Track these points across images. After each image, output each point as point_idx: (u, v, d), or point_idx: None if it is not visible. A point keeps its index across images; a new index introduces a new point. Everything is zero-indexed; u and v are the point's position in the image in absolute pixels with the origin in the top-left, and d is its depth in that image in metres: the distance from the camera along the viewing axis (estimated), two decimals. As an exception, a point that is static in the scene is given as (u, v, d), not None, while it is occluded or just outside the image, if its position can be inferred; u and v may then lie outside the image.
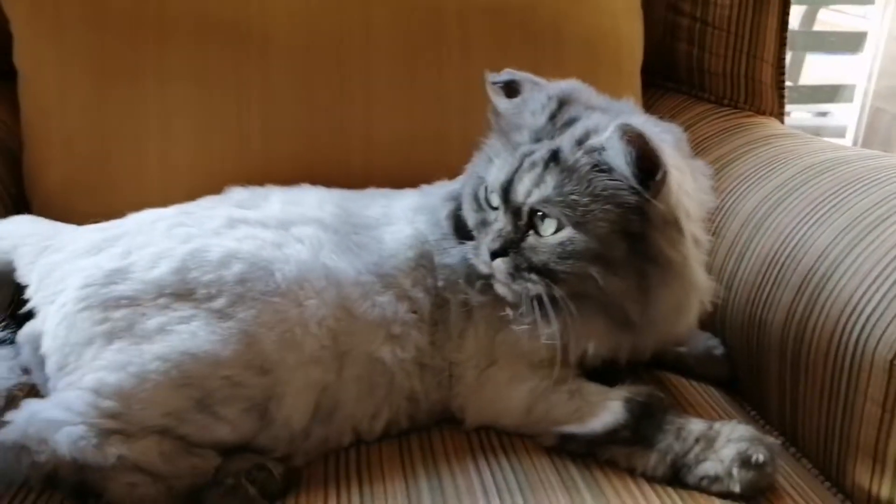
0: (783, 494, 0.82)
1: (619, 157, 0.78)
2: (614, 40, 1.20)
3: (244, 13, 1.11)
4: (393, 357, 0.87)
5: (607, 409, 0.83)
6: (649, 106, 1.30)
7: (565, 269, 0.80)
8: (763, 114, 1.31)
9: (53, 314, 0.82)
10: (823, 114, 2.49)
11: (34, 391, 0.86)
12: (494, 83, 0.89)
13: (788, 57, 1.35)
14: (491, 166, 0.86)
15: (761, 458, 0.79)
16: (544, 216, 0.81)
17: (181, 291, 0.80)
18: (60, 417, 0.76)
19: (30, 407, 0.78)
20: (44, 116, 1.11)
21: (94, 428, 0.76)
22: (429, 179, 1.04)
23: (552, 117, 0.85)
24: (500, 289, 0.84)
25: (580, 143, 0.81)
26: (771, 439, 0.83)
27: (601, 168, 0.79)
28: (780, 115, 1.32)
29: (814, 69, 2.50)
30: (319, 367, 0.82)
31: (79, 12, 1.09)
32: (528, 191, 0.82)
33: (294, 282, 0.83)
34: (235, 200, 0.93)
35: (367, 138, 1.13)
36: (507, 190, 0.83)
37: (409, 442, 0.89)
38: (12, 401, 0.81)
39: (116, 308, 0.80)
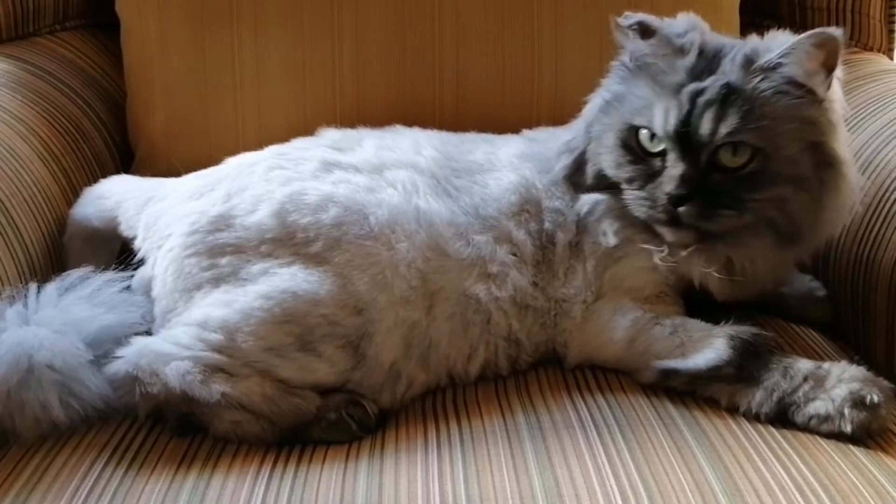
0: (894, 440, 0.78)
1: (806, 66, 0.80)
2: (713, -25, 1.16)
3: (338, -43, 1.11)
4: (488, 294, 0.87)
5: (710, 346, 0.83)
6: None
7: (758, 198, 0.82)
8: (870, 50, 1.25)
9: (161, 259, 0.86)
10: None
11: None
12: (629, 26, 0.86)
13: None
14: (649, 113, 0.84)
15: (875, 398, 0.77)
16: (734, 149, 0.81)
17: (281, 236, 0.83)
18: (169, 351, 0.80)
19: (141, 341, 0.82)
20: (146, 63, 1.14)
21: (199, 363, 0.79)
22: (520, 119, 1.04)
23: (701, 52, 0.84)
24: (671, 234, 0.84)
25: (747, 68, 0.82)
26: (884, 381, 0.80)
27: (779, 88, 0.81)
28: (889, 52, 1.26)
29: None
30: (408, 306, 0.84)
31: (177, -40, 1.11)
32: (713, 128, 0.81)
33: (386, 225, 0.84)
34: (329, 140, 0.94)
35: (459, 79, 1.14)
36: (682, 133, 0.82)
37: (505, 382, 0.89)
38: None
39: (222, 255, 0.83)
